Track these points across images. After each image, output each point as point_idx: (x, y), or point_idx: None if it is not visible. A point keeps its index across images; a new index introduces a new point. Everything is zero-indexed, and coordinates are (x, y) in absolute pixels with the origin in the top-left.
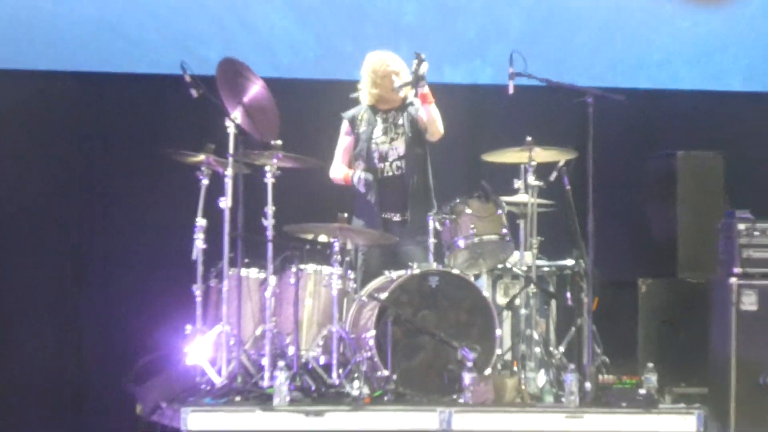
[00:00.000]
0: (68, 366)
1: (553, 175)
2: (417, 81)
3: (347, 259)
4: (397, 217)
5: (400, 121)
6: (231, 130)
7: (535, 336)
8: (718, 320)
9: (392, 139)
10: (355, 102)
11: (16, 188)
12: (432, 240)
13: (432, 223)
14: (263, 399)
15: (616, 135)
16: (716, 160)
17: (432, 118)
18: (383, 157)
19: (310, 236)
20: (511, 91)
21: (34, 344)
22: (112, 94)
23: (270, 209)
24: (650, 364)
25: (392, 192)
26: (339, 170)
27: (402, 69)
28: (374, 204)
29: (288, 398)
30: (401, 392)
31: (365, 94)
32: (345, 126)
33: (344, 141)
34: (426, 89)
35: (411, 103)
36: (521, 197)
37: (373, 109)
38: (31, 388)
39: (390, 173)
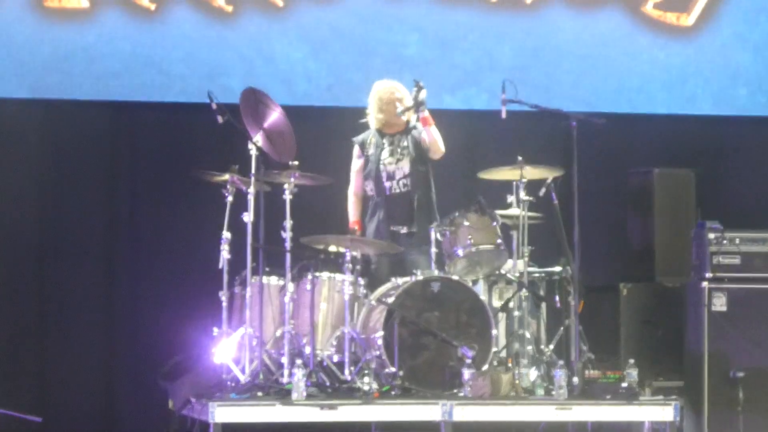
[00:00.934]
0: (100, 367)
1: (542, 191)
2: (417, 106)
3: (358, 267)
4: (404, 230)
5: (405, 143)
6: (253, 152)
7: (527, 335)
8: (692, 320)
9: (398, 160)
10: (364, 126)
11: (62, 206)
12: (434, 249)
13: (434, 234)
14: (283, 394)
15: (598, 154)
16: (689, 177)
17: (433, 138)
18: (391, 176)
19: (324, 247)
20: (503, 115)
21: (75, 346)
22: (145, 122)
23: (288, 223)
24: (631, 360)
25: (400, 207)
26: (352, 209)
27: (405, 96)
28: (382, 220)
29: (305, 393)
30: (407, 387)
31: (372, 119)
32: (356, 150)
33: (357, 164)
34: (426, 113)
35: (414, 127)
36: (514, 211)
37: (380, 133)
38: (70, 384)
39: (397, 190)
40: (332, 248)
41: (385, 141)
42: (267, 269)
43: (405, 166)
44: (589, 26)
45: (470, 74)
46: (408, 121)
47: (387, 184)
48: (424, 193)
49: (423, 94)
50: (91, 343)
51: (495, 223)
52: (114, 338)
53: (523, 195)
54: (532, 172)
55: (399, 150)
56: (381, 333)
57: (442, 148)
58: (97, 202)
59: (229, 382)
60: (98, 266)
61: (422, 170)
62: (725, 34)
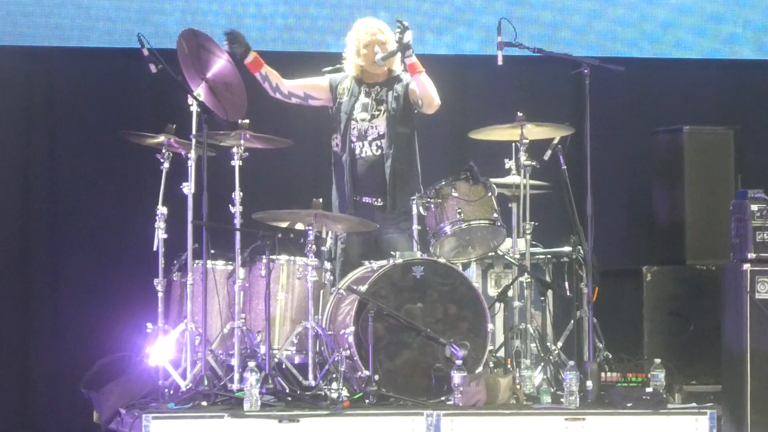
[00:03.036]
0: (13, 371)
1: (548, 154)
2: (403, 50)
3: (323, 248)
4: (377, 202)
5: (383, 97)
6: (194, 108)
7: (531, 330)
8: (731, 310)
9: (373, 116)
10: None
11: None
12: (416, 226)
13: (415, 208)
14: (232, 404)
15: (615, 109)
16: (726, 136)
17: (425, 88)
18: (362, 135)
19: (282, 224)
20: (500, 62)
21: None
22: (60, 71)
23: (237, 195)
24: (657, 360)
25: (370, 174)
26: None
27: (389, 40)
28: (346, 187)
29: (259, 403)
30: (384, 394)
31: (349, 64)
32: (324, 80)
33: (312, 80)
34: (414, 58)
35: (399, 79)
36: (513, 178)
37: (358, 81)
38: None
39: (369, 153)
40: (293, 226)
41: (361, 90)
42: (212, 252)
43: (380, 125)
44: None
45: (460, 11)
46: (390, 71)
47: (357, 144)
48: (405, 159)
49: (408, 36)
50: (1, 344)
51: (490, 194)
52: (28, 337)
53: (524, 159)
54: (534, 132)
55: (375, 105)
56: (352, 329)
57: (437, 100)
58: (7, 170)
59: (166, 390)
60: (9, 248)
61: (402, 132)
62: None
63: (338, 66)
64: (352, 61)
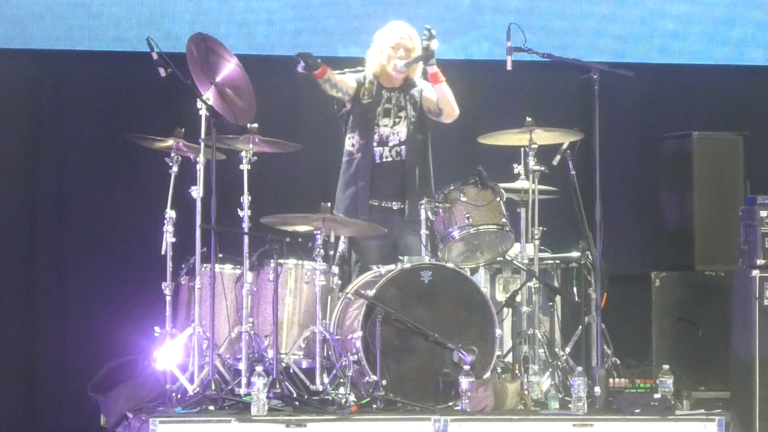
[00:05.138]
0: (20, 374)
1: (557, 159)
2: (426, 58)
3: (331, 253)
4: (395, 206)
5: (403, 103)
6: (203, 112)
7: (539, 336)
8: (740, 316)
9: (395, 123)
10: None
11: None
12: (424, 231)
13: (424, 213)
14: (240, 408)
15: (624, 114)
16: (735, 142)
17: (446, 98)
18: (383, 141)
19: (290, 228)
20: (509, 67)
21: None
22: (69, 74)
23: (246, 199)
24: (666, 366)
25: (390, 179)
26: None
27: (415, 49)
28: (363, 191)
29: (267, 407)
30: (391, 399)
31: (372, 61)
32: (352, 78)
33: (343, 76)
34: (435, 68)
35: (414, 84)
36: (521, 183)
37: (378, 85)
38: None
39: (389, 158)
40: (300, 229)
41: (383, 95)
42: (220, 255)
43: (401, 132)
44: None
45: (469, 17)
46: (407, 78)
47: (378, 149)
48: (422, 164)
49: (434, 44)
50: (7, 346)
51: (498, 199)
52: (36, 340)
53: (532, 164)
54: (543, 137)
55: (396, 111)
56: (360, 333)
57: (457, 110)
58: (16, 173)
59: (173, 394)
60: (17, 250)
61: (419, 138)
62: None
63: (359, 68)
64: (374, 58)
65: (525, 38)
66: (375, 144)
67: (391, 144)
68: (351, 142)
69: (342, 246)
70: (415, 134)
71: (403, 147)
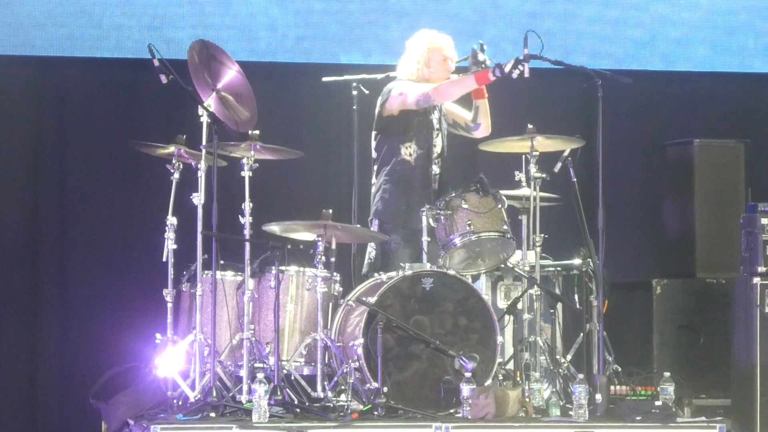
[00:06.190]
0: (22, 380)
1: (558, 166)
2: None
3: (332, 260)
4: None
5: (439, 116)
6: (204, 119)
7: (540, 343)
8: (741, 324)
9: (436, 135)
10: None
11: None
12: (426, 238)
13: (425, 220)
14: (241, 415)
15: (626, 122)
16: (737, 149)
17: (488, 114)
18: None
19: (291, 235)
20: (527, 74)
21: None
22: (71, 80)
23: (247, 206)
24: (667, 374)
25: (434, 191)
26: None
27: (454, 57)
28: (417, 199)
29: (268, 414)
30: (393, 406)
31: (413, 71)
32: None
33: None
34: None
35: None
36: (523, 191)
37: None
38: None
39: (436, 171)
40: (302, 236)
41: (428, 108)
42: (222, 262)
43: (439, 144)
44: None
45: (470, 24)
46: None
47: (432, 161)
48: (450, 178)
49: (485, 59)
50: (9, 353)
51: (500, 206)
52: (37, 347)
53: (534, 171)
54: (545, 144)
55: (438, 123)
56: (361, 340)
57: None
58: (18, 179)
59: (175, 401)
60: (19, 256)
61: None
62: None
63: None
64: (419, 69)
65: (542, 45)
66: (434, 156)
67: (434, 156)
68: (408, 151)
69: (373, 252)
70: (445, 147)
71: (439, 159)
